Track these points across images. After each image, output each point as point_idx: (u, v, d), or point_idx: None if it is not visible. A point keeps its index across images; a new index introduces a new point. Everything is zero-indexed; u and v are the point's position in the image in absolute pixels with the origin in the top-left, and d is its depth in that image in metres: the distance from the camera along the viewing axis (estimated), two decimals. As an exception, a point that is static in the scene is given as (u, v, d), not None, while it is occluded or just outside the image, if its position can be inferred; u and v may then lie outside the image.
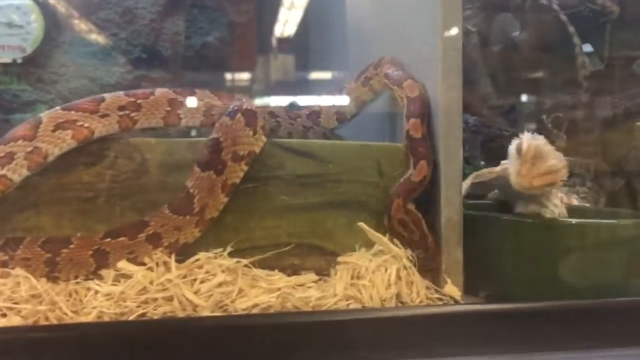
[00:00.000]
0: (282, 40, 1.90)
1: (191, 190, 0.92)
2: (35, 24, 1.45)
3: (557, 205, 1.05)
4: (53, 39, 1.65)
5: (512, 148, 1.00)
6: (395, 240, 0.99)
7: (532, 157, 0.95)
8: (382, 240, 0.98)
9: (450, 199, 0.98)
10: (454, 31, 0.99)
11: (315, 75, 1.89)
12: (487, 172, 1.15)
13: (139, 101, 0.99)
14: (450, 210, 0.98)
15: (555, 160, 0.97)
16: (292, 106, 1.65)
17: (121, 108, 0.98)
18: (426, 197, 1.03)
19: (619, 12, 1.67)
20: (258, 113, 0.97)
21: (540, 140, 0.98)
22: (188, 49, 1.83)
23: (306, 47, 1.89)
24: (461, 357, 0.85)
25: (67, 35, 1.71)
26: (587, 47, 1.74)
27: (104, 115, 0.95)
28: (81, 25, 1.72)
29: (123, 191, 0.95)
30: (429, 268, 1.00)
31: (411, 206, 1.00)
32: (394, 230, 0.99)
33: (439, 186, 0.98)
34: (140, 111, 0.97)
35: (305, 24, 1.85)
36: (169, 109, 1.00)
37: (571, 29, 1.68)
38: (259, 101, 1.88)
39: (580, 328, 0.90)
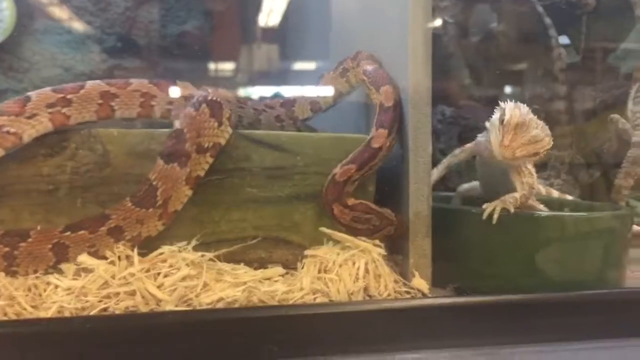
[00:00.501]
0: (264, 30, 1.88)
1: (154, 183, 0.90)
2: (6, 11, 1.43)
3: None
4: (25, 26, 1.63)
5: (494, 118, 0.99)
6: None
7: (515, 126, 0.94)
8: (347, 238, 0.97)
9: (418, 193, 0.97)
10: (423, 21, 0.97)
11: (298, 65, 1.87)
12: (460, 151, 1.15)
13: (69, 96, 0.96)
14: (418, 204, 0.97)
15: (538, 129, 0.96)
16: (276, 96, 1.64)
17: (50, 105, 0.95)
18: (394, 190, 1.02)
19: (595, 5, 1.67)
20: (224, 104, 0.95)
21: (524, 109, 0.97)
22: (164, 38, 1.80)
23: (289, 36, 1.87)
24: (429, 351, 0.85)
25: (40, 23, 1.68)
26: (564, 39, 1.75)
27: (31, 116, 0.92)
28: (54, 13, 1.69)
29: (85, 183, 0.93)
30: (401, 235, 1.00)
31: (351, 200, 0.98)
32: (353, 229, 0.98)
33: (408, 180, 0.97)
34: (72, 106, 0.94)
35: (288, 13, 1.83)
36: (101, 101, 0.98)
37: (548, 21, 1.68)
38: (242, 91, 1.87)
39: (549, 321, 0.90)
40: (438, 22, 1.86)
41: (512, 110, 0.95)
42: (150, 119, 1.02)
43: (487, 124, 1.02)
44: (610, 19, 1.71)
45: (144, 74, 1.75)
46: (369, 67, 1.05)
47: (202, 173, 0.94)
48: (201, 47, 1.82)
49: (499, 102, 1.02)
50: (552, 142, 0.98)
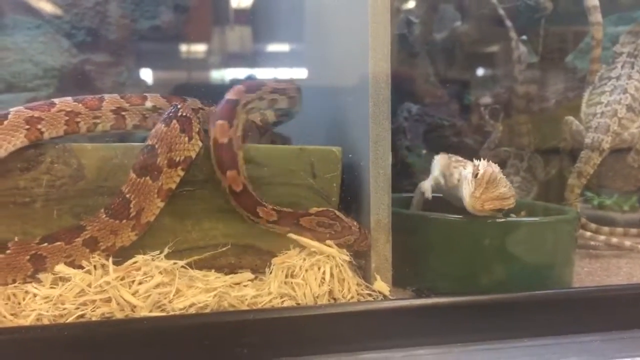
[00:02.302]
0: (237, 15, 1.90)
1: (127, 195, 0.94)
2: (-26, 7, 1.42)
3: None
4: (-5, 22, 1.63)
5: (467, 172, 1.07)
6: (328, 241, 1.03)
7: (487, 182, 1.02)
8: (313, 244, 1.02)
9: (379, 202, 1.03)
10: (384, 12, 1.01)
11: (271, 48, 1.90)
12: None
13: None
14: (379, 212, 1.03)
15: (506, 188, 1.04)
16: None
17: None
18: (356, 199, 1.07)
19: (552, 8, 1.74)
20: (193, 119, 0.99)
21: (495, 168, 1.05)
22: (134, 33, 1.82)
23: (262, 20, 1.89)
24: (390, 350, 0.90)
25: (9, 18, 1.69)
26: (524, 39, 1.81)
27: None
28: (24, 8, 1.70)
29: (60, 196, 0.96)
30: (360, 247, 1.05)
31: (315, 209, 1.03)
32: (315, 232, 1.03)
33: (369, 190, 1.02)
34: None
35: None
36: (28, 126, 0.98)
37: (508, 23, 1.74)
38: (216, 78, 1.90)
39: (500, 319, 0.96)
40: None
41: (485, 167, 1.04)
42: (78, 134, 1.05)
43: (461, 174, 1.10)
44: (567, 23, 1.78)
45: (114, 68, 1.78)
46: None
47: (173, 186, 0.98)
48: (171, 41, 1.85)
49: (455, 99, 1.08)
50: (514, 203, 1.06)
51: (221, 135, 0.98)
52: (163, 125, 0.96)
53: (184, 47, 1.91)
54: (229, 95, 1.03)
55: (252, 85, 1.08)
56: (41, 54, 1.72)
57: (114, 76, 1.80)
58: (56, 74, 1.73)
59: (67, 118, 1.00)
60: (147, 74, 1.86)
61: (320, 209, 1.03)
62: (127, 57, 1.82)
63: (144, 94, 1.10)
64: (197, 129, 0.99)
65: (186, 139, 0.97)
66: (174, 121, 0.96)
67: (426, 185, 1.25)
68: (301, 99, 1.20)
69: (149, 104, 1.09)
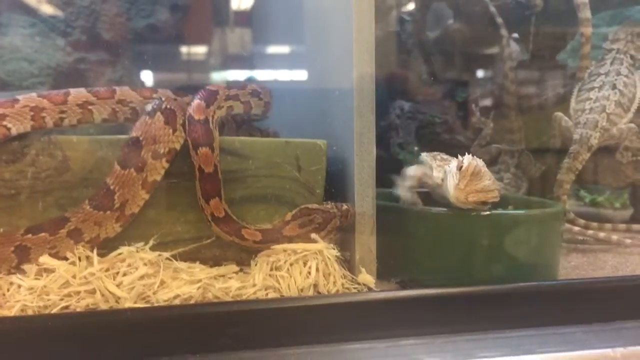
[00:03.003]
0: (235, 17, 1.91)
1: (111, 187, 0.95)
2: (-31, 5, 1.43)
3: None
4: (-11, 20, 1.64)
5: (452, 165, 1.08)
6: (313, 235, 1.04)
7: (471, 174, 1.03)
8: (299, 246, 1.03)
9: (363, 194, 1.04)
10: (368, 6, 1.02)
11: (270, 50, 1.90)
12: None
13: None
14: (364, 204, 1.04)
15: (490, 181, 1.05)
16: (250, 82, 1.67)
17: None
18: (341, 192, 1.08)
19: (543, 6, 1.74)
20: (177, 111, 0.99)
21: (479, 162, 1.06)
22: (130, 32, 1.83)
23: (257, 21, 1.90)
24: (374, 341, 0.91)
25: (4, 17, 1.69)
26: (515, 37, 1.82)
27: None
28: (19, 6, 1.70)
29: (45, 188, 0.97)
30: (350, 222, 1.06)
31: (289, 214, 1.05)
32: (305, 234, 1.04)
33: (353, 182, 1.03)
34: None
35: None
36: None
37: (499, 20, 1.74)
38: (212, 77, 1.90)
39: (485, 311, 0.97)
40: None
41: (470, 160, 1.05)
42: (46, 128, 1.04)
43: (446, 169, 1.10)
44: (558, 20, 1.78)
45: (110, 67, 1.78)
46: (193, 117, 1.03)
47: (158, 177, 0.98)
48: (166, 40, 1.85)
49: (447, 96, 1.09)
50: (499, 196, 1.07)
51: (197, 113, 0.99)
52: (147, 117, 0.97)
53: (179, 47, 1.91)
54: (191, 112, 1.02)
55: (209, 97, 1.06)
56: (36, 53, 1.73)
57: (109, 75, 1.80)
58: (51, 72, 1.74)
59: (32, 113, 0.99)
60: (142, 73, 1.86)
61: (293, 212, 1.04)
62: (122, 56, 1.82)
63: (114, 87, 1.10)
64: (181, 121, 0.99)
65: (170, 130, 0.98)
66: (158, 113, 0.97)
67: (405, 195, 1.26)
68: (264, 102, 1.20)
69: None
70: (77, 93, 1.04)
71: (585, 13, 1.56)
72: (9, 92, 1.68)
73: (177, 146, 0.99)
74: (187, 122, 0.99)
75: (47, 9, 1.74)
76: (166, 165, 0.98)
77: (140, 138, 0.96)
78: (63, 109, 1.02)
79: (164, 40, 1.85)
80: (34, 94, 1.02)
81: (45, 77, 1.73)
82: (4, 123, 0.96)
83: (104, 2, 1.79)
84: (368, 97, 1.02)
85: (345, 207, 1.05)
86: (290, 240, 1.03)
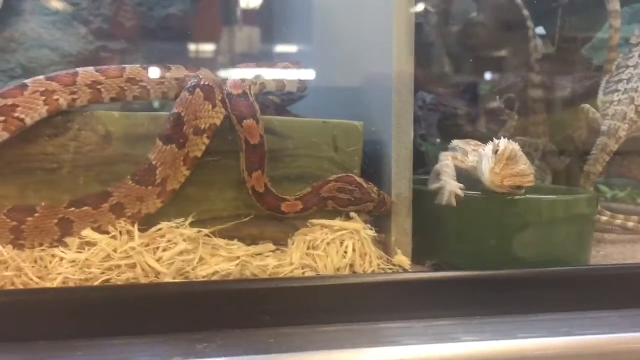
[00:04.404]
0: (246, 12, 1.91)
1: (153, 162, 0.96)
2: (-6, -8, 1.44)
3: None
4: (12, 7, 1.65)
5: (487, 148, 1.08)
6: (352, 215, 1.05)
7: (507, 158, 1.03)
8: (337, 223, 1.04)
9: (400, 176, 1.04)
10: (407, 10, 1.04)
11: (279, 47, 1.91)
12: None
13: None
14: (400, 186, 1.05)
15: (526, 165, 1.05)
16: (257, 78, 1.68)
17: None
18: (377, 172, 1.08)
19: (570, -2, 1.74)
20: (215, 87, 1.00)
21: (515, 145, 1.06)
22: (150, 21, 1.84)
23: (271, 18, 1.91)
24: (408, 321, 0.91)
25: (28, 4, 1.71)
26: (540, 31, 1.82)
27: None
28: (42, -6, 1.72)
29: (87, 162, 0.98)
30: (380, 212, 1.07)
31: (334, 175, 1.05)
32: (336, 199, 1.05)
33: (390, 163, 1.03)
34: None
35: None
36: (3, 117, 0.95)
37: (525, 12, 1.74)
38: (223, 73, 1.90)
39: (517, 294, 0.97)
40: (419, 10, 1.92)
41: (505, 144, 1.05)
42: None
43: (480, 152, 1.10)
44: (584, 12, 1.78)
45: (130, 55, 1.79)
46: (233, 92, 1.03)
47: (199, 154, 0.99)
48: (186, 29, 1.86)
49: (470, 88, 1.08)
50: (534, 180, 1.07)
51: (235, 88, 1.00)
52: (187, 93, 0.98)
53: (199, 36, 1.92)
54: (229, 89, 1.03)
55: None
56: (58, 40, 1.74)
57: (130, 63, 1.81)
58: (72, 60, 1.75)
59: (44, 97, 0.98)
60: (162, 61, 1.87)
61: (340, 174, 1.05)
62: (143, 44, 1.83)
63: (123, 66, 1.08)
64: (220, 97, 1.00)
65: (210, 106, 0.98)
66: (198, 89, 0.98)
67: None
68: (298, 80, 1.21)
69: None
70: (86, 72, 1.03)
71: (614, 4, 1.56)
72: (31, 79, 1.69)
73: (217, 121, 1.00)
74: (227, 100, 1.00)
75: (71, -3, 1.76)
76: (207, 141, 0.99)
77: (182, 114, 0.96)
78: (73, 89, 1.01)
79: (184, 29, 1.86)
80: (40, 78, 1.00)
81: (66, 64, 1.74)
82: (15, 114, 0.95)
83: (126, -9, 1.80)
84: (406, 78, 1.02)
85: (384, 196, 1.05)
86: (325, 201, 1.04)
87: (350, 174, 1.05)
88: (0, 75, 1.68)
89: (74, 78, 1.00)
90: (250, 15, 1.91)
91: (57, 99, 0.97)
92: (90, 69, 1.03)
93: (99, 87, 1.02)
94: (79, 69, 1.02)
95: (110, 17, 1.79)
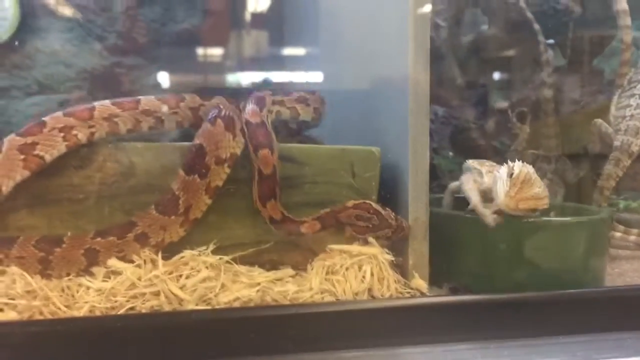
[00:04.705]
0: (255, 16, 1.93)
1: (176, 193, 0.98)
2: (11, 9, 1.47)
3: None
4: (29, 25, 1.67)
5: (502, 171, 1.08)
6: (369, 240, 1.07)
7: (522, 181, 1.04)
8: (355, 248, 1.06)
9: (417, 200, 1.06)
10: (425, 11, 1.04)
11: (287, 52, 1.92)
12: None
13: None
14: (417, 210, 1.06)
15: (540, 189, 1.06)
16: (266, 83, 1.70)
17: None
18: (395, 197, 1.10)
19: (581, 12, 1.75)
20: (235, 117, 1.02)
21: (530, 169, 1.07)
22: (164, 36, 1.86)
23: (279, 24, 1.93)
24: (426, 345, 0.92)
25: (43, 21, 1.73)
26: (551, 43, 1.82)
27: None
28: (57, 11, 1.74)
29: (111, 193, 1.00)
30: (399, 238, 1.08)
31: (352, 201, 1.07)
32: (354, 225, 1.06)
33: (407, 188, 1.05)
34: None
35: (279, 3, 1.89)
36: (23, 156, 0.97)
37: (536, 26, 1.75)
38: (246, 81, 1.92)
39: (534, 317, 0.98)
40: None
41: (520, 167, 1.06)
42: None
43: (495, 175, 1.11)
44: (595, 26, 1.79)
45: (144, 70, 1.81)
46: (251, 120, 1.05)
47: (220, 183, 1.01)
48: (200, 44, 1.88)
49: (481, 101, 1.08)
50: (549, 203, 1.07)
51: (254, 116, 1.02)
52: (209, 124, 1.00)
53: (212, 50, 1.94)
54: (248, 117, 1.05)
55: (259, 102, 1.10)
56: (73, 57, 1.76)
57: (144, 79, 1.83)
58: (87, 77, 1.77)
59: (62, 134, 0.99)
60: (176, 77, 1.89)
61: (358, 201, 1.06)
62: (156, 60, 1.85)
63: (139, 98, 1.10)
64: (240, 127, 1.02)
65: (231, 136, 1.00)
66: (219, 120, 1.00)
67: (455, 184, 1.26)
68: (313, 108, 1.23)
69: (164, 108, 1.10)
70: (102, 106, 1.05)
71: (626, 20, 1.57)
72: (46, 95, 1.72)
73: (238, 151, 1.02)
74: (245, 128, 1.02)
75: (85, 14, 1.78)
76: (228, 170, 1.01)
77: (204, 145, 0.98)
78: (91, 123, 1.02)
79: (198, 45, 1.88)
80: (59, 114, 1.01)
81: (81, 80, 1.76)
82: (35, 152, 0.97)
83: (140, 7, 1.82)
84: (423, 101, 1.04)
85: (402, 222, 1.06)
86: (342, 225, 1.06)
87: (368, 201, 1.06)
88: (17, 92, 1.70)
89: (92, 112, 1.02)
90: (257, 21, 1.93)
91: (76, 134, 1.00)
92: (107, 102, 1.05)
93: (115, 119, 1.04)
94: (96, 103, 1.04)
95: (124, 33, 1.81)
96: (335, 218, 1.06)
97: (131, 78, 1.83)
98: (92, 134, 1.02)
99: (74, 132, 0.99)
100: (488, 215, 1.07)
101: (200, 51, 1.90)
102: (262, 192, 1.01)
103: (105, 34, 1.80)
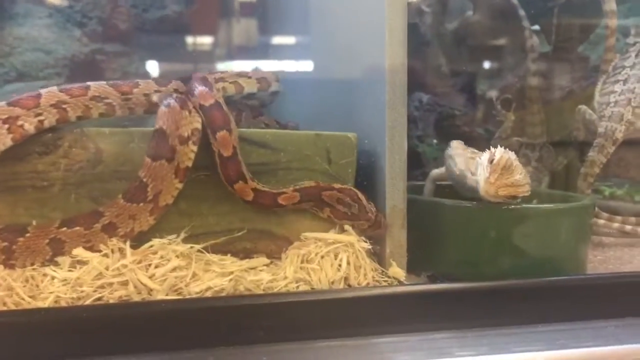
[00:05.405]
0: (239, 3, 1.91)
1: (144, 180, 0.95)
2: (-14, -4, 1.43)
3: None
4: (6, 10, 1.64)
5: (483, 158, 1.07)
6: (346, 227, 1.04)
7: (502, 168, 1.02)
8: (331, 236, 1.03)
9: (395, 188, 1.04)
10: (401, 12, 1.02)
11: (276, 40, 1.90)
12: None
13: None
14: (395, 197, 1.04)
15: (521, 176, 1.04)
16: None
17: None
18: (372, 185, 1.07)
19: (566, -3, 1.73)
20: (185, 98, 1.00)
21: (511, 155, 1.05)
22: (145, 23, 1.83)
23: (267, 12, 1.90)
24: (407, 335, 0.91)
25: (21, 7, 1.69)
26: (536, 29, 1.80)
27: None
28: (36, -4, 1.71)
29: (78, 180, 0.97)
30: (373, 234, 1.06)
31: (339, 185, 1.04)
32: (333, 208, 1.04)
33: (384, 175, 1.03)
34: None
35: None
36: None
37: (521, 12, 1.73)
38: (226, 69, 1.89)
39: (514, 305, 0.97)
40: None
41: (501, 153, 1.04)
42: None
43: (477, 161, 1.09)
44: (580, 12, 1.77)
45: (125, 57, 1.78)
46: (205, 103, 1.02)
47: (189, 163, 0.98)
48: (181, 29, 1.85)
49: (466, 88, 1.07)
50: (530, 190, 1.06)
51: (206, 99, 0.99)
52: (164, 107, 0.97)
53: (194, 38, 1.91)
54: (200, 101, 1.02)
55: (205, 83, 1.05)
56: (53, 43, 1.73)
57: (125, 66, 1.80)
58: (67, 63, 1.74)
59: (7, 126, 0.95)
60: (157, 64, 1.86)
61: (344, 186, 1.04)
62: (137, 47, 1.82)
63: (88, 83, 1.05)
64: (192, 105, 1.00)
65: (187, 113, 0.98)
66: (171, 101, 0.97)
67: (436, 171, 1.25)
68: (257, 79, 1.21)
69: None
70: (49, 93, 1.01)
71: (611, 5, 1.55)
72: (25, 82, 1.68)
73: (198, 126, 0.99)
74: (200, 112, 0.99)
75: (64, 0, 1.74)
76: (194, 148, 0.97)
77: (164, 127, 0.96)
78: (38, 111, 0.99)
79: (179, 32, 1.85)
80: (2, 103, 0.98)
81: (61, 67, 1.73)
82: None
83: (120, -7, 1.79)
84: (400, 90, 1.01)
85: (381, 219, 1.04)
86: (322, 204, 1.03)
87: (354, 189, 1.04)
88: (-5, 80, 1.67)
89: (37, 100, 0.98)
90: (246, 10, 1.90)
91: (21, 125, 0.95)
92: (54, 88, 1.01)
93: (64, 106, 1.00)
94: (42, 90, 1.00)
95: (105, 19, 1.78)
96: (318, 194, 1.03)
97: (112, 65, 1.80)
98: (41, 122, 0.97)
99: (20, 122, 0.95)
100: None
101: (182, 38, 1.87)
102: (227, 175, 0.99)
103: (85, 20, 1.77)
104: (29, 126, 0.96)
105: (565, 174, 1.70)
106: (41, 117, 0.97)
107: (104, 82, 1.05)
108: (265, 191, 1.01)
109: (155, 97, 1.05)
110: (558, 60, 1.82)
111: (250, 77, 1.20)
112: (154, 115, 1.01)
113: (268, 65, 1.90)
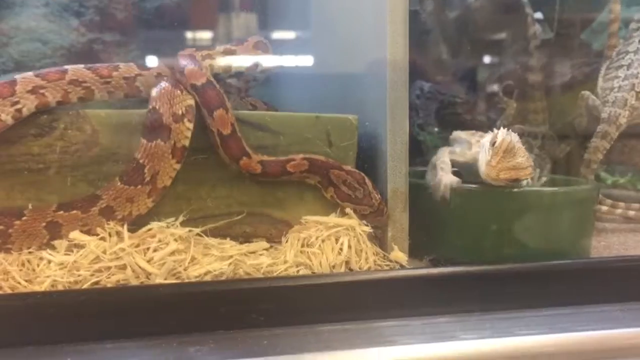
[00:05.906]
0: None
1: (141, 161, 0.94)
2: (-17, -15, 1.41)
3: None
4: (2, 0, 1.62)
5: (485, 139, 1.05)
6: (347, 211, 1.03)
7: (504, 150, 1.00)
8: (332, 220, 1.02)
9: (396, 170, 1.02)
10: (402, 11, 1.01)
11: (277, 34, 1.88)
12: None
13: None
14: (396, 180, 1.02)
15: (523, 158, 1.02)
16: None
17: None
18: (373, 167, 1.06)
19: (569, -17, 1.71)
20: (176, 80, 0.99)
21: (514, 137, 1.03)
22: (143, 12, 1.81)
23: (268, 5, 1.88)
24: (409, 319, 0.90)
25: (17, -4, 1.68)
26: (538, 16, 1.78)
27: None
28: (32, -15, 1.69)
29: (74, 162, 0.96)
30: (376, 222, 1.04)
31: (348, 167, 1.04)
32: (340, 192, 1.03)
33: (386, 158, 1.01)
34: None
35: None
36: None
37: (524, -1, 1.71)
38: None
39: (516, 289, 0.96)
40: None
41: (504, 135, 1.02)
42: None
43: (481, 143, 1.08)
44: (583, -1, 1.75)
45: (124, 47, 1.76)
46: (196, 82, 1.00)
47: (186, 142, 0.97)
48: (180, 19, 1.83)
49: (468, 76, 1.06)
50: (532, 174, 1.05)
51: (197, 78, 0.98)
52: (155, 88, 0.96)
53: (193, 27, 1.89)
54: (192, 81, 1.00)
55: (194, 61, 1.04)
56: (50, 33, 1.71)
57: (123, 55, 1.79)
58: (65, 53, 1.72)
59: None
60: (155, 53, 1.84)
61: (353, 169, 1.03)
62: (135, 37, 1.80)
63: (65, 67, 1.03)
64: (183, 86, 0.99)
65: (179, 91, 0.97)
66: (163, 82, 0.97)
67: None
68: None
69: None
70: (25, 79, 0.98)
71: (614, -10, 1.53)
72: (22, 72, 1.67)
73: (192, 102, 0.97)
74: (194, 92, 0.98)
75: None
76: (190, 126, 0.96)
77: (157, 106, 0.94)
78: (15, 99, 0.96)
79: (177, 21, 1.83)
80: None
81: (58, 57, 1.72)
82: None
83: (118, -18, 1.77)
84: (401, 72, 1.00)
85: (384, 207, 1.03)
86: (329, 182, 1.03)
87: (362, 174, 1.03)
88: (-9, 70, 1.66)
89: (13, 88, 0.95)
90: (246, 1, 1.88)
91: None
92: (30, 74, 0.99)
93: (42, 91, 0.98)
94: (17, 76, 0.98)
95: (102, 9, 1.76)
96: (326, 171, 1.02)
97: (110, 55, 1.78)
98: (19, 110, 0.95)
99: None
100: (442, 185, 1.05)
101: (181, 27, 1.85)
102: (230, 153, 0.97)
103: (82, 9, 1.75)
104: (6, 116, 0.94)
105: (568, 161, 1.68)
106: (18, 106, 0.95)
107: (82, 66, 1.03)
108: (273, 160, 1.00)
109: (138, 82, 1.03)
110: (561, 46, 1.80)
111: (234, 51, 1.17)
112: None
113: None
